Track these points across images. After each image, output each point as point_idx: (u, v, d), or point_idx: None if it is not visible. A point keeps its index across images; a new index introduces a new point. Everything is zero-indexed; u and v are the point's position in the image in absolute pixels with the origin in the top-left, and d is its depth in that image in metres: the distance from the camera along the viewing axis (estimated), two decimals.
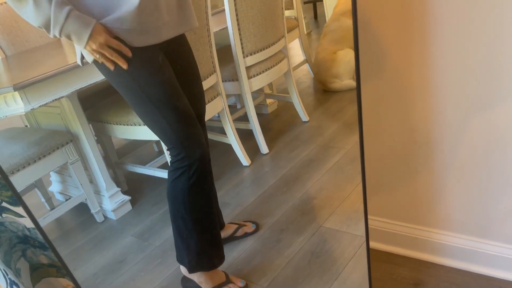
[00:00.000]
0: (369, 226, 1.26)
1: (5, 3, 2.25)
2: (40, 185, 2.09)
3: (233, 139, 2.15)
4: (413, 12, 1.12)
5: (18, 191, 0.88)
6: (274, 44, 2.23)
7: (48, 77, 1.53)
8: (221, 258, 1.42)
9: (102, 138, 2.14)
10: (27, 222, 0.86)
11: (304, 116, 2.46)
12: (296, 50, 2.87)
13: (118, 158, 2.24)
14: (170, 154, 1.28)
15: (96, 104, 2.06)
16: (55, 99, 1.59)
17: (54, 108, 1.90)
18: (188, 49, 1.37)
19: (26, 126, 2.13)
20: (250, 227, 1.67)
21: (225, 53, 2.22)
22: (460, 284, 1.30)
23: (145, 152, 2.51)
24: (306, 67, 2.84)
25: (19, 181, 1.72)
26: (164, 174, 2.00)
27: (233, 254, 1.58)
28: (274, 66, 2.27)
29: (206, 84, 1.92)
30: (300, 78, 2.91)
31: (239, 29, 2.05)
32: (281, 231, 1.65)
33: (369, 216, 1.33)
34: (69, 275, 0.87)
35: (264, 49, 2.18)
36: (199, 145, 1.26)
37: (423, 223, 1.39)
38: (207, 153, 1.30)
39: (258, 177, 2.06)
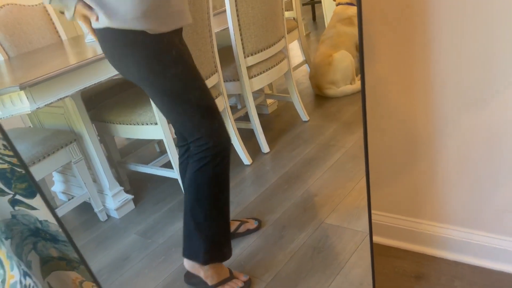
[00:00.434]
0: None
1: (8, 4, 2.27)
2: (43, 185, 2.11)
3: (234, 138, 2.17)
4: (414, 12, 1.15)
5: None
6: (274, 44, 2.25)
7: (53, 77, 1.55)
8: (230, 250, 1.45)
9: (105, 138, 2.16)
10: (40, 215, 0.88)
11: (304, 116, 2.48)
12: (295, 51, 2.90)
13: (120, 157, 2.26)
14: (194, 145, 1.29)
15: (99, 104, 2.08)
16: (60, 98, 1.61)
17: (57, 108, 1.92)
18: (188, 49, 1.39)
19: (30, 127, 2.15)
20: (252, 224, 1.69)
21: (226, 53, 2.24)
22: (461, 276, 1.32)
23: (147, 151, 2.53)
24: (305, 67, 2.87)
25: None
26: (166, 172, 2.02)
27: (236, 250, 1.60)
28: (274, 66, 2.28)
29: (208, 84, 1.93)
30: (299, 79, 2.94)
31: (240, 30, 2.07)
32: (283, 228, 1.67)
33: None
34: (85, 266, 0.89)
35: (264, 49, 2.20)
36: (226, 135, 1.31)
37: (424, 216, 1.41)
38: (230, 143, 1.35)
39: (259, 176, 2.08)
